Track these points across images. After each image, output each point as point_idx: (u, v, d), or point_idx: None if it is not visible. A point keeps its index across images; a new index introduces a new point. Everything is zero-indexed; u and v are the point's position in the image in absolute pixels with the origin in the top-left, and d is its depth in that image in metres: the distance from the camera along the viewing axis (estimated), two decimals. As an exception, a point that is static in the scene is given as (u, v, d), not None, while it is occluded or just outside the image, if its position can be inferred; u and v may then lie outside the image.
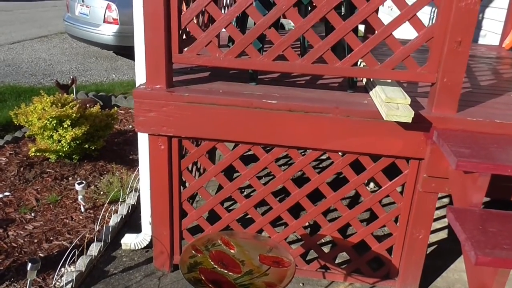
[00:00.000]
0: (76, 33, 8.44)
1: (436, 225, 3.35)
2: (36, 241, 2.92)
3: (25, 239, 2.93)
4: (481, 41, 5.65)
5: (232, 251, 1.93)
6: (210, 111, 2.26)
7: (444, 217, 3.45)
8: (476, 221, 1.76)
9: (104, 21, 7.88)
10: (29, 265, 2.25)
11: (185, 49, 2.27)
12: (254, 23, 2.16)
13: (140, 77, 2.46)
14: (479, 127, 2.14)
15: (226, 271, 1.80)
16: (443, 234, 3.26)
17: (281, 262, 1.86)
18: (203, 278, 1.74)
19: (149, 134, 2.38)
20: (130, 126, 5.03)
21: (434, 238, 3.20)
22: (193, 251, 1.90)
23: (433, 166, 2.20)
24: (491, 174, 1.82)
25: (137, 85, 2.42)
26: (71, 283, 2.46)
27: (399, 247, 2.51)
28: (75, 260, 2.62)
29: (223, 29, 2.22)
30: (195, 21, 2.22)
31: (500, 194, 2.15)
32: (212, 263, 1.84)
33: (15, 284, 2.52)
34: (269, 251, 1.94)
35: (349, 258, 2.66)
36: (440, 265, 2.89)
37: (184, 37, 2.53)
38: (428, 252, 3.02)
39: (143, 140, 2.58)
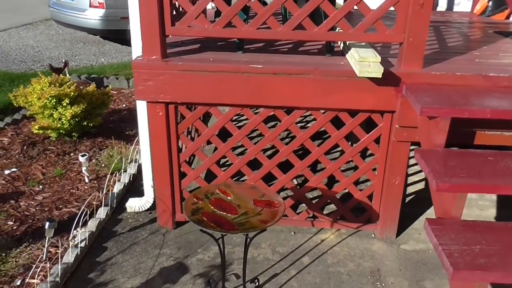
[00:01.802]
0: (62, 18, 8.53)
1: (414, 178, 3.65)
2: (47, 209, 3.16)
3: (37, 208, 3.17)
4: (456, 8, 5.90)
5: (229, 198, 2.19)
6: (202, 78, 2.50)
7: (421, 171, 3.75)
8: (439, 158, 2.04)
9: (90, 6, 7.99)
10: (47, 223, 2.50)
11: (177, 22, 2.50)
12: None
13: (136, 51, 2.68)
14: (442, 80, 2.40)
15: (224, 213, 2.06)
16: (421, 186, 3.56)
17: (273, 204, 2.14)
18: (205, 219, 2.01)
19: (147, 102, 2.62)
20: (124, 105, 5.25)
21: (412, 189, 3.51)
22: (194, 199, 2.16)
23: (403, 117, 2.47)
24: (451, 118, 2.10)
25: (133, 58, 2.64)
26: (85, 241, 2.72)
27: (378, 194, 2.80)
28: (85, 223, 2.87)
29: (210, 6, 2.44)
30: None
31: (462, 139, 2.43)
32: (212, 207, 2.11)
33: (33, 245, 2.77)
34: (261, 196, 2.21)
35: (335, 209, 2.94)
36: (418, 211, 3.19)
37: (174, 13, 2.75)
38: (407, 201, 3.34)
39: (141, 108, 2.82)
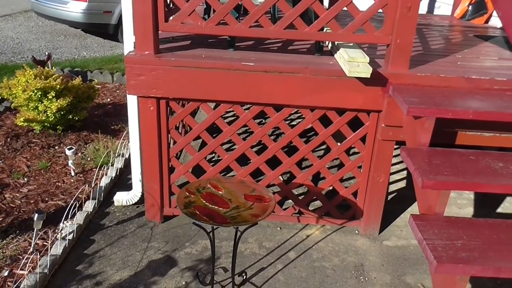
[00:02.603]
0: (42, 10, 8.40)
1: (395, 176, 3.76)
2: (32, 201, 3.15)
3: (22, 200, 3.15)
4: (436, 12, 6.05)
5: (220, 192, 2.24)
6: (194, 74, 2.53)
7: (402, 170, 3.86)
8: (424, 156, 2.12)
9: (72, -2, 7.90)
10: (36, 215, 2.50)
11: (170, 18, 2.52)
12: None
13: (128, 46, 2.70)
14: (427, 81, 2.49)
15: (216, 207, 2.11)
16: (402, 184, 3.66)
17: (263, 199, 2.19)
18: (198, 212, 2.05)
19: (139, 97, 2.64)
20: (109, 100, 5.22)
21: (394, 187, 3.61)
22: (187, 193, 2.20)
23: (389, 116, 2.55)
24: (435, 118, 2.18)
25: (125, 52, 2.65)
26: (72, 234, 2.72)
27: (363, 191, 2.88)
28: (72, 216, 2.87)
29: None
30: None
31: (445, 138, 2.52)
32: (204, 201, 2.15)
33: (19, 237, 2.76)
34: (252, 191, 2.26)
35: (321, 206, 3.01)
36: (399, 209, 3.29)
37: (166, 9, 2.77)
38: (388, 199, 3.44)
39: (132, 103, 2.83)
